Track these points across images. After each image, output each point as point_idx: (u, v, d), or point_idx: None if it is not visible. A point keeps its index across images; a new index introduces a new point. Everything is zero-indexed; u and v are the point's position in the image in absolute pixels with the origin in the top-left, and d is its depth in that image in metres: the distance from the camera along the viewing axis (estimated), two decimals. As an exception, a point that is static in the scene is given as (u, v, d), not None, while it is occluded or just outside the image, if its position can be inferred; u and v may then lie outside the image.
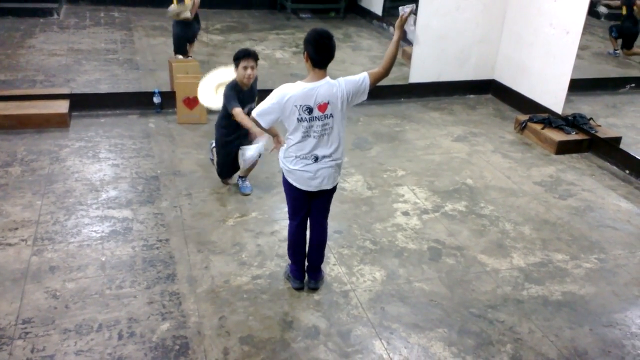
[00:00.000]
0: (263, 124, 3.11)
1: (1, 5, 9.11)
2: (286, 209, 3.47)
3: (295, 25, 10.10)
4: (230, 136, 4.39)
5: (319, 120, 3.04)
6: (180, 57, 6.76)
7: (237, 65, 4.13)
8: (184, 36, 6.83)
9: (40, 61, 7.21)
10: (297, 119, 3.02)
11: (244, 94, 4.21)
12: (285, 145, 3.19)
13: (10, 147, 5.08)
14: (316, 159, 3.13)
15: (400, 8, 3.12)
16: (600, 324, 3.42)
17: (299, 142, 3.09)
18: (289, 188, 3.28)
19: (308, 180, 3.18)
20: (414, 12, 3.15)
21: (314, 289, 3.52)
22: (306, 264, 3.53)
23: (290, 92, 3.00)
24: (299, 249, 3.47)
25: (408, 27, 3.16)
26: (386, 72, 3.12)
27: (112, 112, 5.96)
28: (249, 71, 4.10)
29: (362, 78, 3.08)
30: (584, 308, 3.55)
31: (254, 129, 3.47)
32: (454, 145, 5.78)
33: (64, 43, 8.03)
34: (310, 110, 3.00)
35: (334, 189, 3.34)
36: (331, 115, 3.05)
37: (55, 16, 9.38)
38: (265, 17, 10.57)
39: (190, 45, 6.99)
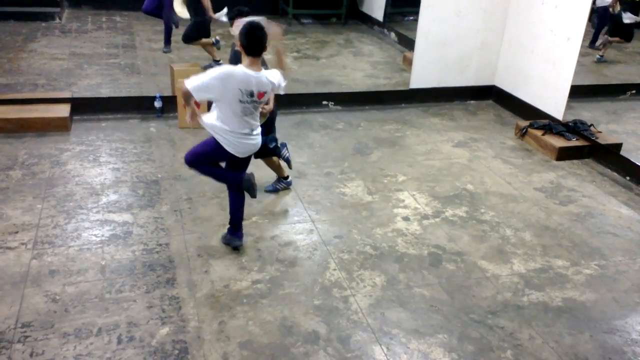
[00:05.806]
0: (197, 98, 3.33)
1: (3, 9, 9.14)
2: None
3: (296, 30, 10.13)
4: None
5: (257, 103, 3.46)
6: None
7: (232, 25, 4.50)
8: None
9: (42, 65, 7.23)
10: (240, 100, 3.35)
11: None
12: (209, 115, 3.49)
13: (12, 151, 5.08)
14: (246, 135, 3.52)
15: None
16: (600, 330, 3.42)
17: (231, 118, 3.41)
18: (219, 149, 3.52)
19: (240, 150, 3.56)
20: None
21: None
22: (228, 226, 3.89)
23: (235, 74, 3.31)
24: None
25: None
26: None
27: (113, 116, 5.97)
28: None
29: (280, 84, 3.65)
30: (585, 314, 3.54)
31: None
32: (454, 150, 5.78)
33: (65, 47, 8.06)
34: (252, 94, 3.38)
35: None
36: (261, 102, 3.50)
37: (57, 20, 9.41)
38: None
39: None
